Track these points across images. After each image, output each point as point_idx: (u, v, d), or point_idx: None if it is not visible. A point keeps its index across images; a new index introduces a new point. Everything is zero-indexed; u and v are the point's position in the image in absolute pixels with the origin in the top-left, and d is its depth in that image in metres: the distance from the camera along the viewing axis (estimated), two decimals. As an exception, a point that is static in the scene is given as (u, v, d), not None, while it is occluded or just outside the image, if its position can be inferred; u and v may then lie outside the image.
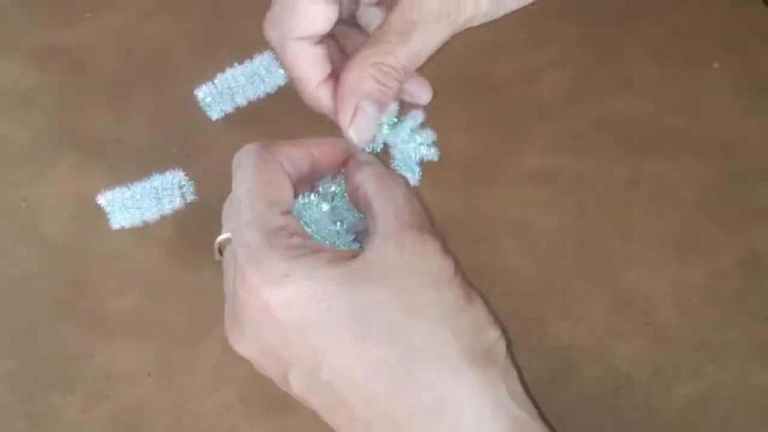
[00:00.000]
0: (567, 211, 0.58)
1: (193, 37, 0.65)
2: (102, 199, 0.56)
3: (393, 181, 0.41)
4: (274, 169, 0.41)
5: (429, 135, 0.47)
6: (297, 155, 0.42)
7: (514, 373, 0.38)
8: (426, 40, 0.42)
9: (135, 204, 0.56)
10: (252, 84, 0.60)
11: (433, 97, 0.48)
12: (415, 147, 0.46)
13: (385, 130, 0.45)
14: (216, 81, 0.60)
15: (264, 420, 0.51)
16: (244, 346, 0.39)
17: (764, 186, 0.58)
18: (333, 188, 0.44)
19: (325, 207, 0.43)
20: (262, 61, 0.60)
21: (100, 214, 0.57)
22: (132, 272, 0.56)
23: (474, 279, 0.55)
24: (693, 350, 0.53)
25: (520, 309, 0.54)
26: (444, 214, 0.57)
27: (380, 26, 0.42)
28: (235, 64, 0.60)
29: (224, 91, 0.60)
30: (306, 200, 0.43)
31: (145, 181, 0.57)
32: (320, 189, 0.45)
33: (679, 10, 0.66)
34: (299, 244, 0.38)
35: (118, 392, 0.52)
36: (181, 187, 0.57)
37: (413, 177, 0.47)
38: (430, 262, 0.38)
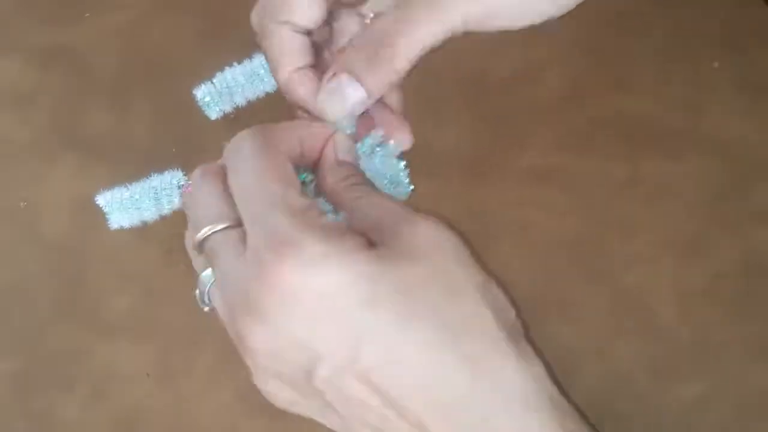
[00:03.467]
0: (567, 210, 0.58)
1: (192, 37, 0.65)
2: (100, 199, 0.56)
3: (370, 190, 0.40)
4: (278, 151, 0.39)
5: (394, 147, 0.44)
6: (289, 139, 0.40)
7: (530, 350, 0.38)
8: (429, 33, 0.41)
9: (134, 204, 0.56)
10: (251, 84, 0.60)
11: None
12: (388, 162, 0.43)
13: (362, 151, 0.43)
14: (215, 80, 0.60)
15: (263, 420, 0.51)
16: (263, 337, 0.36)
17: (764, 186, 0.58)
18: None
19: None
20: (261, 60, 0.60)
21: (99, 214, 0.57)
22: (131, 272, 0.56)
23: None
24: (693, 350, 0.53)
25: (520, 309, 0.54)
26: (444, 213, 0.57)
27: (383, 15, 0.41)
28: (234, 63, 0.60)
29: (223, 91, 0.60)
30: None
31: (143, 181, 0.57)
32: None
33: (679, 10, 0.66)
34: (332, 226, 0.36)
35: (118, 392, 0.52)
36: (180, 187, 0.57)
37: (405, 190, 0.44)
38: (448, 239, 0.37)
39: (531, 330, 0.53)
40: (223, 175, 0.40)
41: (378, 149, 0.43)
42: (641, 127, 0.61)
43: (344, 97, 0.42)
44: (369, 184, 0.40)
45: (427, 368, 0.35)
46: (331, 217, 0.37)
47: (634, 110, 0.61)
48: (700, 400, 0.51)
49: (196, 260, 0.40)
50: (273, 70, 0.44)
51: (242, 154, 0.39)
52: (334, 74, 0.41)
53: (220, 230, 0.38)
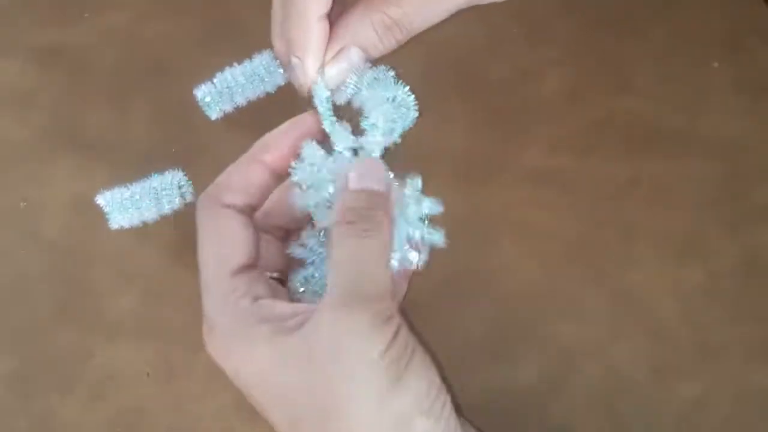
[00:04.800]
0: (567, 211, 0.58)
1: (193, 37, 0.65)
2: (101, 199, 0.56)
3: (359, 231, 0.38)
4: (222, 222, 0.39)
5: (433, 205, 0.42)
6: (247, 179, 0.41)
7: None
8: (444, 11, 0.41)
9: (134, 204, 0.56)
10: (251, 83, 0.60)
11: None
12: (416, 222, 0.42)
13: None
14: (215, 80, 0.60)
15: (264, 421, 0.51)
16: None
17: (764, 186, 0.58)
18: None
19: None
20: (261, 60, 0.60)
21: (99, 214, 0.57)
22: (132, 272, 0.56)
23: (474, 279, 0.55)
24: (693, 350, 0.53)
25: (520, 309, 0.54)
26: (444, 214, 0.57)
27: None
28: (235, 63, 0.60)
29: (223, 91, 0.60)
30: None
31: (144, 181, 0.57)
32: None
33: (679, 11, 0.66)
34: (248, 311, 0.37)
35: (118, 392, 0.52)
36: (180, 188, 0.57)
37: (417, 260, 0.42)
38: (355, 340, 0.35)
39: (531, 329, 0.53)
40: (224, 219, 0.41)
41: (375, 76, 0.43)
42: (641, 127, 0.61)
43: (344, 72, 0.42)
44: (367, 219, 0.38)
45: None
46: (245, 303, 0.37)
47: (634, 111, 0.61)
48: (700, 400, 0.51)
49: None
50: (290, 22, 0.42)
51: (197, 228, 0.40)
52: (345, 47, 0.41)
53: None
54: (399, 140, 0.42)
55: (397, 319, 0.36)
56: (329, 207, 0.40)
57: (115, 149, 0.60)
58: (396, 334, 0.36)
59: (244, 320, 0.37)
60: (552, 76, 0.63)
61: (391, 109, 0.42)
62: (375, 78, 0.42)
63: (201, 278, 0.39)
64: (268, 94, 0.61)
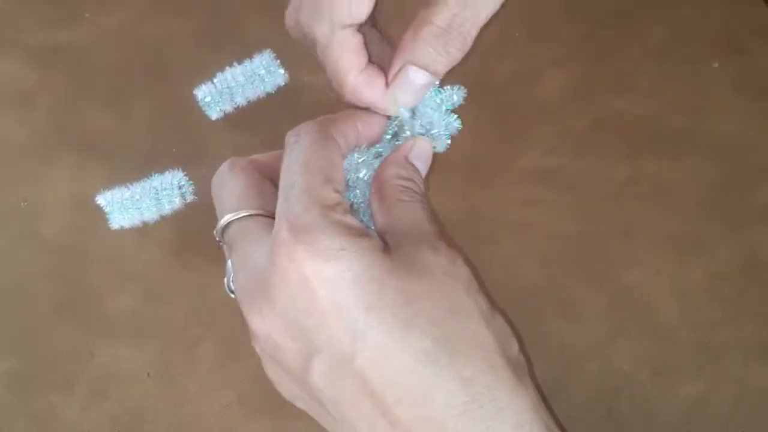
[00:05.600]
0: (567, 211, 0.58)
1: (193, 37, 0.65)
2: (101, 199, 0.56)
3: (416, 196, 0.41)
4: (332, 147, 0.40)
5: (456, 94, 0.45)
6: (348, 130, 0.42)
7: (531, 387, 0.38)
8: (490, 11, 0.41)
9: (134, 204, 0.56)
10: (251, 84, 0.60)
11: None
12: (442, 117, 0.45)
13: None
14: (215, 81, 0.60)
15: (264, 420, 0.51)
16: (268, 321, 0.37)
17: (764, 186, 0.58)
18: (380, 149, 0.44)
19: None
20: (261, 60, 0.60)
21: (99, 214, 0.57)
22: (132, 272, 0.56)
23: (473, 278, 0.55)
24: (693, 350, 0.53)
25: (520, 309, 0.54)
26: (444, 214, 0.57)
27: None
28: (235, 63, 0.60)
29: (224, 91, 0.60)
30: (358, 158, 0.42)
31: (144, 181, 0.57)
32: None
33: (679, 10, 0.66)
34: (354, 225, 0.37)
35: (118, 392, 0.52)
36: (180, 187, 0.57)
37: (442, 144, 0.45)
38: (462, 267, 0.38)
39: (531, 329, 0.53)
40: (251, 169, 0.42)
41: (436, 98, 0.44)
42: (641, 127, 0.61)
43: (413, 86, 0.42)
44: (421, 194, 0.41)
45: (422, 380, 0.35)
46: (352, 220, 0.37)
47: (634, 110, 0.61)
48: (700, 400, 0.51)
49: (225, 249, 0.42)
50: (338, 77, 0.43)
51: (299, 143, 0.40)
52: (402, 68, 0.42)
53: (239, 218, 0.40)
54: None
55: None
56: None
57: (115, 149, 0.60)
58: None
59: (354, 231, 0.36)
60: (552, 76, 0.63)
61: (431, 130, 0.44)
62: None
63: (298, 188, 0.37)
64: (268, 94, 0.61)
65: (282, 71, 0.60)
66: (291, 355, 0.37)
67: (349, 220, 0.37)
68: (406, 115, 0.43)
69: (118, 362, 0.53)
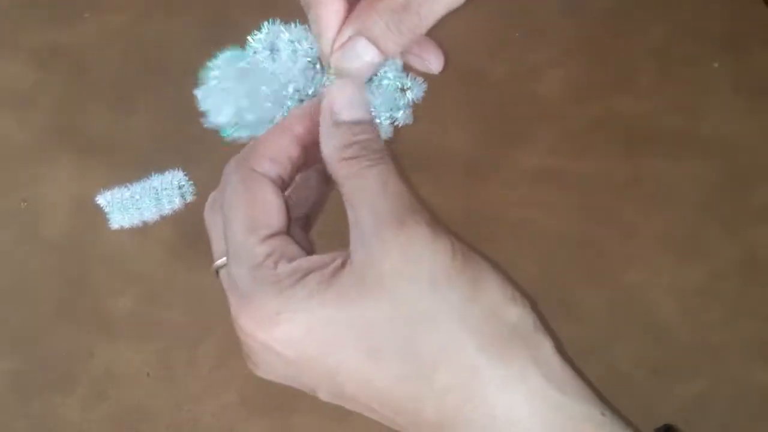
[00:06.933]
0: (567, 210, 0.58)
1: (193, 37, 0.65)
2: (101, 199, 0.56)
3: (366, 164, 0.36)
4: (255, 186, 0.37)
5: (415, 86, 0.40)
6: (279, 148, 0.38)
7: (547, 347, 0.36)
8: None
9: (134, 204, 0.56)
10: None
11: (443, 68, 0.44)
12: (392, 87, 0.40)
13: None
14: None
15: (264, 420, 0.51)
16: (263, 375, 0.38)
17: (764, 186, 0.58)
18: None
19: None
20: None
21: (99, 214, 0.57)
22: (132, 272, 0.56)
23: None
24: (693, 350, 0.53)
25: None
26: (444, 213, 0.57)
27: None
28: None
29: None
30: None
31: (144, 182, 0.57)
32: None
33: (679, 10, 0.66)
34: (287, 272, 0.35)
35: (118, 392, 0.52)
36: (180, 188, 0.57)
37: (398, 117, 0.40)
38: (419, 258, 0.34)
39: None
40: (250, 182, 0.39)
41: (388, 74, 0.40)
42: (641, 127, 0.61)
43: (359, 59, 0.39)
44: (371, 150, 0.36)
45: (408, 396, 0.35)
46: (284, 266, 0.35)
47: (634, 110, 0.61)
48: (699, 400, 0.51)
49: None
50: (318, 38, 0.40)
51: (226, 191, 0.38)
52: (351, 37, 0.38)
53: (223, 267, 0.39)
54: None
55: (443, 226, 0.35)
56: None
57: (115, 149, 0.60)
58: (451, 237, 0.34)
59: (285, 282, 0.35)
60: (552, 76, 0.63)
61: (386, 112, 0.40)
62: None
63: (230, 247, 0.36)
64: (268, 94, 0.61)
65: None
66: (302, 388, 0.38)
67: (281, 269, 0.35)
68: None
69: (118, 362, 0.53)
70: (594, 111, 0.61)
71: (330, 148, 0.36)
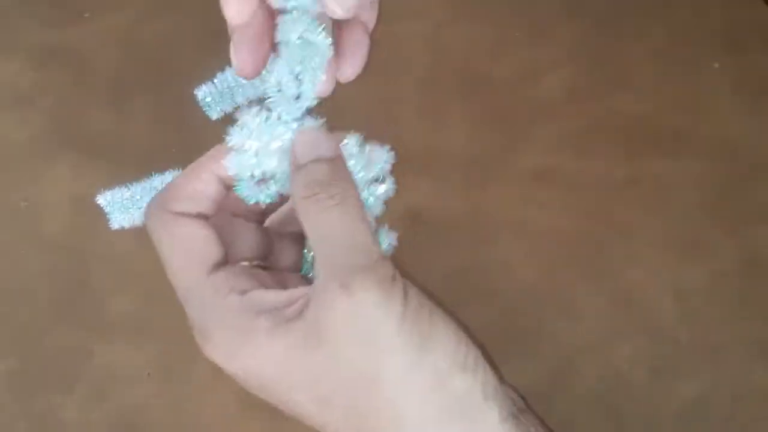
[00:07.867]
0: (567, 210, 0.58)
1: (193, 37, 0.65)
2: (101, 199, 0.56)
3: (326, 203, 0.35)
4: (176, 229, 0.37)
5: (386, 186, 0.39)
6: (192, 188, 0.38)
7: (493, 417, 0.35)
8: None
9: (135, 204, 0.56)
10: (252, 83, 0.60)
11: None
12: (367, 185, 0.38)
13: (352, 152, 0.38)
14: (216, 81, 0.60)
15: (263, 420, 0.51)
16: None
17: (764, 186, 0.58)
18: None
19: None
20: (262, 61, 0.60)
21: (99, 214, 0.57)
22: (132, 272, 0.56)
23: (474, 279, 0.55)
24: (693, 350, 0.53)
25: (520, 309, 0.54)
26: (444, 213, 0.57)
27: None
28: (235, 63, 0.60)
29: (224, 91, 0.60)
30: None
31: (144, 181, 0.57)
32: None
33: (679, 10, 0.66)
34: (238, 309, 0.35)
35: (118, 392, 0.52)
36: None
37: (373, 212, 0.39)
38: (366, 323, 0.33)
39: (531, 329, 0.53)
40: (174, 228, 0.38)
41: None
42: (641, 127, 0.61)
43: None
44: (328, 187, 0.35)
45: None
46: (235, 298, 0.35)
47: (634, 110, 0.61)
48: (699, 400, 0.51)
49: None
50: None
51: (153, 240, 0.38)
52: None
53: None
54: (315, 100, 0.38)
55: (400, 279, 0.34)
56: (266, 180, 0.38)
57: (115, 149, 0.60)
58: (406, 293, 0.34)
59: (239, 317, 0.35)
60: (552, 76, 0.63)
61: (298, 52, 0.37)
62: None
63: (178, 291, 0.37)
64: (268, 94, 0.61)
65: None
66: None
67: (232, 306, 0.35)
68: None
69: (118, 362, 0.53)
70: (594, 111, 0.61)
71: (293, 189, 0.36)
